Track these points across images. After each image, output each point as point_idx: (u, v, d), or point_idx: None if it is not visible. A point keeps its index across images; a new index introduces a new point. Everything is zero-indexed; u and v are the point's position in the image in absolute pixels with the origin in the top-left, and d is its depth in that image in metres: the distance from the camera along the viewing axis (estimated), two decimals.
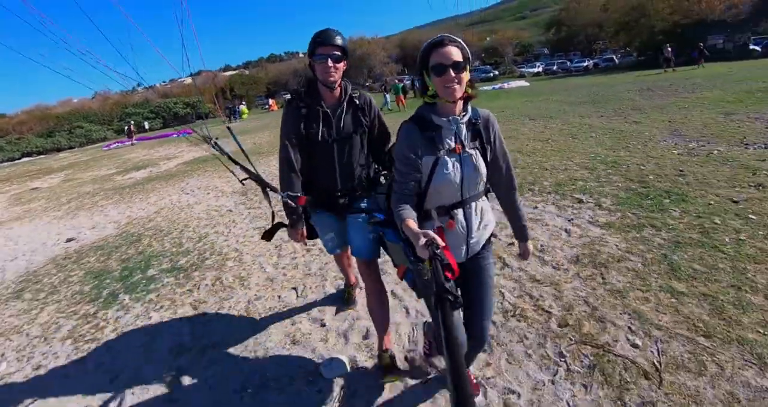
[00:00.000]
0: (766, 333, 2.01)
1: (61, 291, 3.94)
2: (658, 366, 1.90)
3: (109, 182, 10.49)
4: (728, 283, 2.44)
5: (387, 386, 2.04)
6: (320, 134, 1.89)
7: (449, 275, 1.20)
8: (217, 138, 2.24)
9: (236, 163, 2.16)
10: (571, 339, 2.17)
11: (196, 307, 3.15)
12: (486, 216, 1.55)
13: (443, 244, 1.18)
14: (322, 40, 1.81)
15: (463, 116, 1.43)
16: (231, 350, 2.56)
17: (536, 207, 4.11)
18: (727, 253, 2.76)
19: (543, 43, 59.11)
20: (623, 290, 2.52)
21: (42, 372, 2.69)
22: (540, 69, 39.59)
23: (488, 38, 56.55)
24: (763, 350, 1.91)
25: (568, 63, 38.55)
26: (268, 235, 2.19)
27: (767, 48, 27.41)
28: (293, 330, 2.67)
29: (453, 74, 1.32)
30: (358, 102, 1.96)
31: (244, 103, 36.54)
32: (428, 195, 1.46)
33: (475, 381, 1.96)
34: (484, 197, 1.55)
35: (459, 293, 1.48)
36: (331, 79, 1.84)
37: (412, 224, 1.30)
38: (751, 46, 27.89)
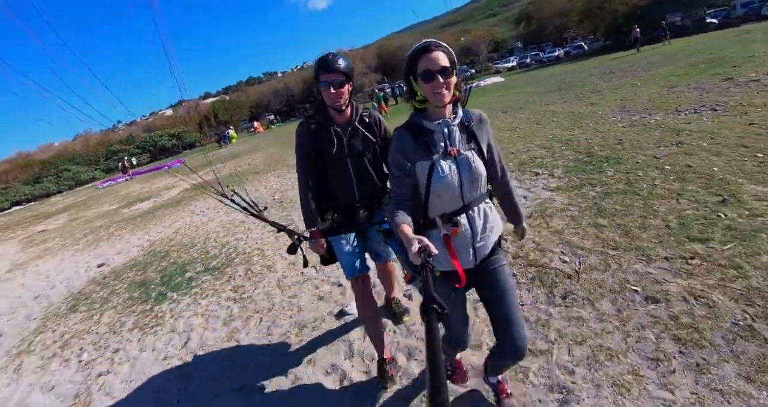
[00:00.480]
0: (656, 241, 2.87)
1: (112, 300, 4.71)
2: (578, 270, 2.75)
3: (118, 215, 11.24)
4: (638, 215, 3.31)
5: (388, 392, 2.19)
6: (333, 151, 2.00)
7: (457, 284, 1.26)
8: (233, 192, 2.34)
9: (255, 216, 2.27)
10: (520, 265, 3.02)
11: (236, 290, 3.96)
12: (491, 219, 1.54)
13: (436, 252, 1.19)
14: (324, 67, 1.90)
15: (454, 118, 1.46)
16: (272, 312, 3.37)
17: None
18: (642, 195, 3.63)
19: (516, 37, 61.18)
20: (560, 230, 3.39)
21: (121, 353, 3.46)
22: (514, 63, 41.17)
23: (462, 38, 58.33)
24: (651, 251, 2.77)
25: (541, 54, 40.18)
26: (292, 249, 2.17)
27: (724, 19, 29.07)
28: (318, 291, 3.50)
29: (441, 80, 1.35)
30: (368, 121, 2.08)
31: (231, 128, 37.59)
32: (430, 203, 1.46)
33: (509, 391, 1.93)
34: (487, 200, 1.55)
35: (480, 300, 1.65)
36: (338, 103, 1.95)
37: (407, 229, 1.31)
38: (708, 20, 29.51)
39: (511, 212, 1.75)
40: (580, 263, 2.83)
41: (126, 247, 7.21)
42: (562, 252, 3.04)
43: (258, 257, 4.72)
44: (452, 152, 1.43)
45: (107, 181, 27.51)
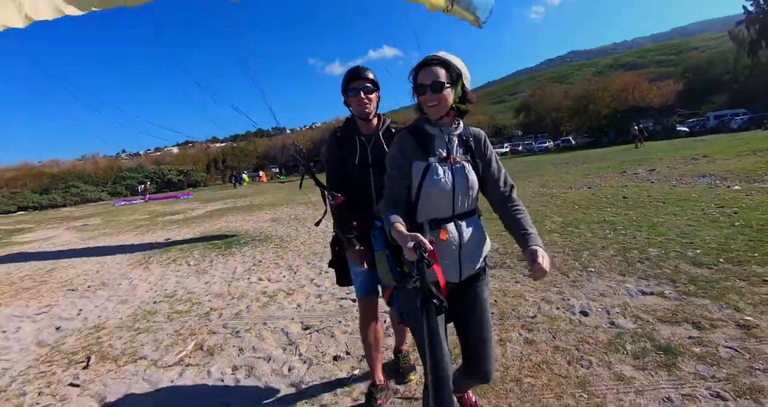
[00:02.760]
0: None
1: (195, 248, 7.95)
2: None
3: (156, 220, 14.52)
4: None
5: None
6: (356, 159, 2.12)
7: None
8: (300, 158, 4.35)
9: (309, 174, 2.65)
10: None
11: (279, 245, 7.30)
12: (480, 236, 1.58)
13: (431, 247, 1.27)
14: (353, 75, 2.07)
15: (455, 128, 1.57)
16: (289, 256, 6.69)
17: None
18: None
19: (517, 125, 68.77)
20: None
21: (213, 263, 6.69)
22: (507, 149, 46.95)
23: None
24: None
25: (534, 144, 46.05)
26: (318, 222, 2.51)
27: (693, 128, 34.67)
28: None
29: (431, 94, 1.46)
30: (394, 132, 2.16)
31: (245, 172, 42.56)
32: (420, 205, 1.53)
33: (473, 399, 2.02)
34: (476, 218, 1.61)
35: (455, 325, 1.66)
36: (366, 110, 2.08)
37: (401, 227, 1.38)
38: (679, 128, 35.19)
39: (519, 229, 1.54)
40: None
41: (179, 234, 10.47)
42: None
43: (286, 236, 8.11)
44: (450, 159, 1.52)
45: (122, 201, 31.06)
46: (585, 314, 3.06)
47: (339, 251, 2.30)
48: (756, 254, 3.76)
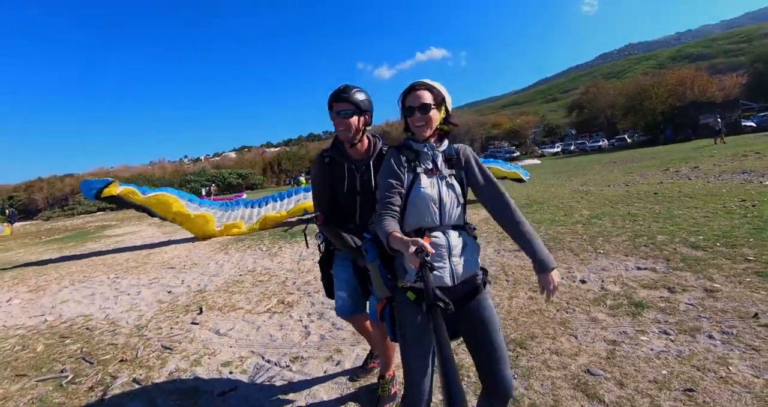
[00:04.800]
0: None
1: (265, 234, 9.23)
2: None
3: None
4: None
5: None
6: (345, 188, 2.04)
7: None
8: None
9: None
10: None
11: None
12: (471, 242, 1.61)
13: (432, 251, 1.29)
14: (334, 96, 1.91)
15: (440, 146, 1.66)
16: None
17: None
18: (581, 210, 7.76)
19: (570, 124, 66.64)
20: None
21: (279, 249, 7.85)
22: (559, 149, 45.87)
23: (518, 120, 64.18)
24: None
25: (587, 143, 44.67)
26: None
27: (763, 122, 32.22)
28: None
29: (419, 115, 1.58)
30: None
31: (303, 174, 45.73)
32: (406, 215, 1.59)
33: None
34: (465, 232, 1.62)
35: (460, 338, 1.65)
36: (347, 136, 1.95)
37: (399, 234, 1.42)
38: (745, 123, 32.75)
39: (524, 240, 1.57)
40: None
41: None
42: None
43: None
44: (435, 171, 1.61)
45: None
46: (583, 282, 3.77)
47: (326, 269, 2.32)
48: (751, 240, 4.24)
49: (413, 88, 1.60)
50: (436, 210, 1.56)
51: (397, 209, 1.56)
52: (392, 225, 1.48)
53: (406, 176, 1.59)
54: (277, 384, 2.69)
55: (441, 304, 1.11)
